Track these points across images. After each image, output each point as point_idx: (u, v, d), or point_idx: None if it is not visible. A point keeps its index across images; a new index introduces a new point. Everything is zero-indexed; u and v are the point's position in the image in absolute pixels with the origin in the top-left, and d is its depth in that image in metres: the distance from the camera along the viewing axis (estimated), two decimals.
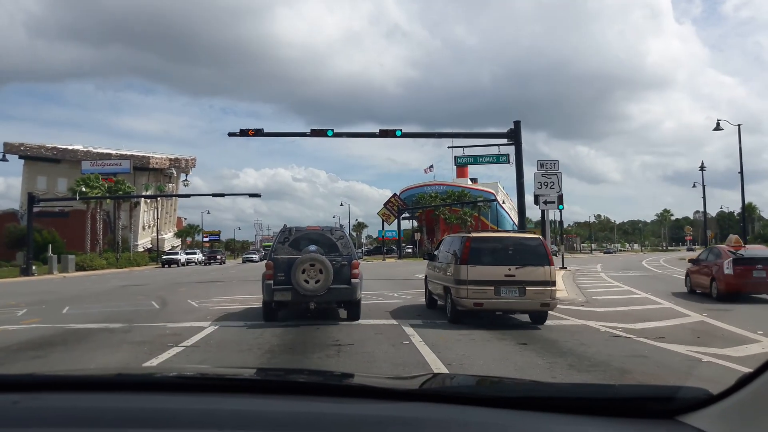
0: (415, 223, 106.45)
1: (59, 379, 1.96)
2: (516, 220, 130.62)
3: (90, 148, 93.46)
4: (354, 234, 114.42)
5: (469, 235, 13.07)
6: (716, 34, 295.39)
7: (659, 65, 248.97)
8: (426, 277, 15.96)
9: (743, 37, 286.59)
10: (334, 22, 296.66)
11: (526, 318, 12.77)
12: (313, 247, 12.71)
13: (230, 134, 26.73)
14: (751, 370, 1.45)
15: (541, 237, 13.84)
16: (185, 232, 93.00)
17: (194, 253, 65.01)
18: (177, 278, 32.54)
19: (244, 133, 26.55)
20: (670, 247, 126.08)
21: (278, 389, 1.84)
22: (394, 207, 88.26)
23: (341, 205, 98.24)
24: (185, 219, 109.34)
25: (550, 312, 12.37)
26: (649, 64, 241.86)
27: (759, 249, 20.42)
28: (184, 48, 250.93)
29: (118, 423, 1.54)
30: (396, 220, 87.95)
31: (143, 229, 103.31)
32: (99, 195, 54.52)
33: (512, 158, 27.95)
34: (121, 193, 59.21)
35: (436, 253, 15.21)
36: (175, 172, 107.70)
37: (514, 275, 12.04)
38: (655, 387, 1.87)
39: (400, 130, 27.86)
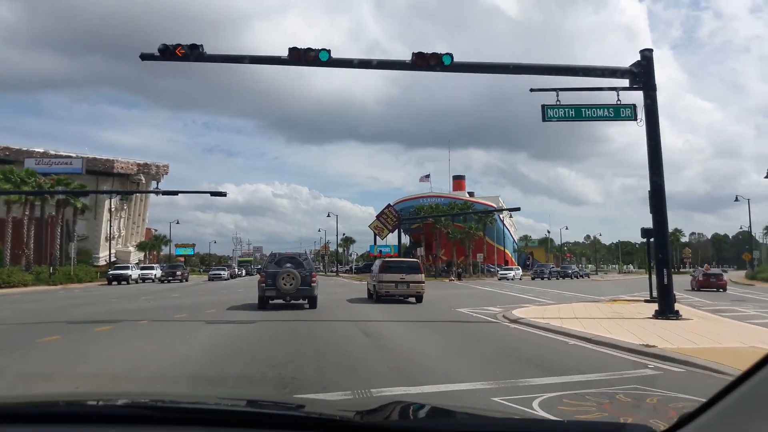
0: (408, 239, 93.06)
1: None
2: (515, 237, 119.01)
3: (50, 150, 79.54)
4: (341, 250, 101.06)
5: (384, 259, 30.87)
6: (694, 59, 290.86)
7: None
8: (367, 282, 30.47)
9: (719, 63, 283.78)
10: (313, 37, 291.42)
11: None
12: (288, 264, 20.90)
13: (143, 56, 14.13)
14: (691, 410, 1.50)
15: (417, 260, 31.94)
16: (149, 244, 79.23)
17: (151, 268, 51.52)
18: (69, 309, 22.08)
19: (168, 54, 13.84)
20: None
21: (216, 420, 1.78)
22: (389, 220, 75.21)
23: (328, 216, 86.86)
24: (155, 230, 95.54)
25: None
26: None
27: (715, 270, 48.90)
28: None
29: None
30: (389, 234, 74.73)
31: (106, 240, 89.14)
32: (13, 190, 41.09)
33: (640, 111, 15.71)
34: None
35: (372, 268, 29.60)
36: (143, 179, 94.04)
37: (404, 278, 24.64)
38: (601, 424, 2.14)
39: (449, 56, 15.25)
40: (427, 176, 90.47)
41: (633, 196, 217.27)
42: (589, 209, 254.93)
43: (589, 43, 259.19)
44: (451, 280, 57.28)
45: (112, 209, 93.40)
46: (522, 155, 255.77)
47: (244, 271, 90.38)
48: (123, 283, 47.43)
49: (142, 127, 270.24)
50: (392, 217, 78.55)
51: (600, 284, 51.00)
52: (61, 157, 78.27)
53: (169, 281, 51.72)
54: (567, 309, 20.45)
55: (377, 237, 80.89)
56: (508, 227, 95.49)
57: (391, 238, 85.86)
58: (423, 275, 25.88)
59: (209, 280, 56.90)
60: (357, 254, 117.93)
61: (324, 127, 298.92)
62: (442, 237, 72.13)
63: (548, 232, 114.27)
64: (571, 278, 64.76)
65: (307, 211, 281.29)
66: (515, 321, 16.43)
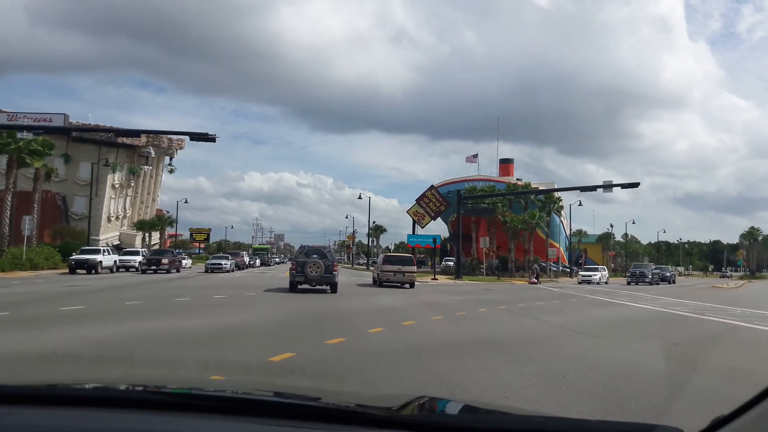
0: (446, 229, 79.21)
1: None
2: (568, 232, 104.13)
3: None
4: (372, 240, 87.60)
5: (385, 254, 41.48)
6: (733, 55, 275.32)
7: (673, 83, 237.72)
8: (372, 271, 40.01)
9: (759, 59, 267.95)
10: (338, 22, 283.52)
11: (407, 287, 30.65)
12: (315, 255, 24.27)
13: None
14: (725, 414, 1.48)
15: (411, 255, 36.50)
16: (148, 224, 66.81)
17: (136, 254, 39.01)
18: None
19: None
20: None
21: (239, 410, 1.74)
22: (431, 204, 61.45)
23: (359, 197, 72.69)
24: (167, 212, 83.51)
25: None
26: (662, 81, 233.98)
27: None
28: (187, 43, 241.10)
29: None
30: (431, 222, 61.48)
31: (108, 221, 76.78)
32: None
33: None
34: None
35: (377, 261, 39.08)
36: (153, 152, 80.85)
37: (401, 269, 30.72)
38: (632, 424, 1.96)
39: None
40: (475, 156, 76.82)
41: (662, 196, 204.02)
42: (616, 207, 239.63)
43: (622, 35, 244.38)
44: (532, 282, 44.62)
45: (116, 185, 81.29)
46: (550, 150, 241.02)
47: (258, 261, 78.49)
48: (92, 272, 35.48)
49: (170, 112, 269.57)
50: (435, 201, 65.08)
51: (736, 292, 37.01)
52: (37, 114, 66.09)
53: (154, 271, 39.02)
54: None
55: (416, 225, 67.19)
56: (562, 220, 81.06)
57: (434, 227, 71.95)
58: (415, 267, 32.97)
59: (206, 271, 44.08)
60: (392, 245, 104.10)
61: (348, 115, 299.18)
62: (498, 227, 57.78)
63: (611, 226, 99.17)
64: (669, 282, 50.58)
65: (331, 202, 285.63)
66: None
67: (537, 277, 45.94)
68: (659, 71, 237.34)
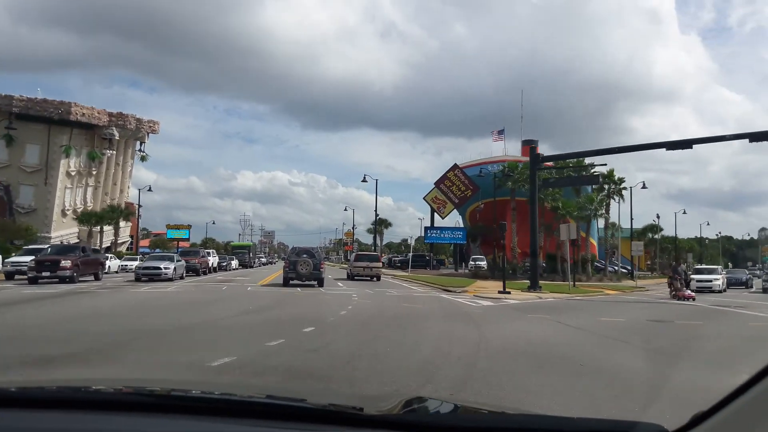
0: (461, 220, 64.89)
1: None
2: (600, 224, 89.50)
3: None
4: (375, 236, 73.87)
5: (355, 252, 51.42)
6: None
7: (665, 77, 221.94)
8: (347, 267, 45.03)
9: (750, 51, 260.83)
10: (327, 16, 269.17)
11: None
12: (305, 255, 28.31)
13: None
14: (705, 409, 1.48)
15: (377, 253, 50.29)
16: (98, 216, 53.06)
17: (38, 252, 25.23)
18: None
19: None
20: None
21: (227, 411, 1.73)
22: (454, 189, 47.37)
23: (363, 180, 56.92)
24: (139, 206, 69.90)
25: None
26: (654, 74, 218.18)
27: None
28: (176, 40, 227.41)
29: None
30: (454, 210, 47.88)
31: (63, 215, 62.79)
32: None
33: None
34: None
35: (350, 258, 47.57)
36: (117, 134, 66.97)
37: (369, 264, 36.40)
38: (613, 422, 1.95)
39: None
40: (501, 132, 62.39)
41: (656, 192, 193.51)
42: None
43: (613, 27, 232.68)
44: (683, 295, 26.04)
45: (73, 173, 67.30)
46: (543, 147, 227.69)
47: (234, 262, 58.83)
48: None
49: (164, 111, 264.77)
50: (460, 183, 51.19)
51: None
52: None
53: (49, 279, 24.80)
54: None
55: (434, 214, 52.98)
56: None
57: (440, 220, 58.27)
58: (380, 264, 40.42)
59: (136, 279, 29.58)
60: (411, 238, 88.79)
61: (340, 112, 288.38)
62: (547, 216, 43.13)
63: (657, 217, 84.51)
64: None
65: (324, 201, 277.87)
66: None
67: (687, 284, 28.18)
68: (651, 65, 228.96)
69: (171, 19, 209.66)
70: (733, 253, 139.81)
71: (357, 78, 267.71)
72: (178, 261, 33.08)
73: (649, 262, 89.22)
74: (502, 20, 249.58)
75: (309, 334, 11.03)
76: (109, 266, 39.06)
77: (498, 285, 34.26)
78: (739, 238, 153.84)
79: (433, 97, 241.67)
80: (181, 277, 32.34)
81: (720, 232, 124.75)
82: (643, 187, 54.47)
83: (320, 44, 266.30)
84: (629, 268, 60.36)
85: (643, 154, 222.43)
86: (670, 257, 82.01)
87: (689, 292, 27.04)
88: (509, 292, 24.22)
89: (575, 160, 40.92)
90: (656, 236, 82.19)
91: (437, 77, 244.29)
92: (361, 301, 19.78)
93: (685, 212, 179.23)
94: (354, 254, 44.46)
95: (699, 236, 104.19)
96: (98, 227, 57.28)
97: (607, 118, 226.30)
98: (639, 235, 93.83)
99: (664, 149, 23.83)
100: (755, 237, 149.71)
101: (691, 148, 23.15)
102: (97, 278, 29.19)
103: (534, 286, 27.00)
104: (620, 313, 19.03)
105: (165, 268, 29.85)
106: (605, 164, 28.79)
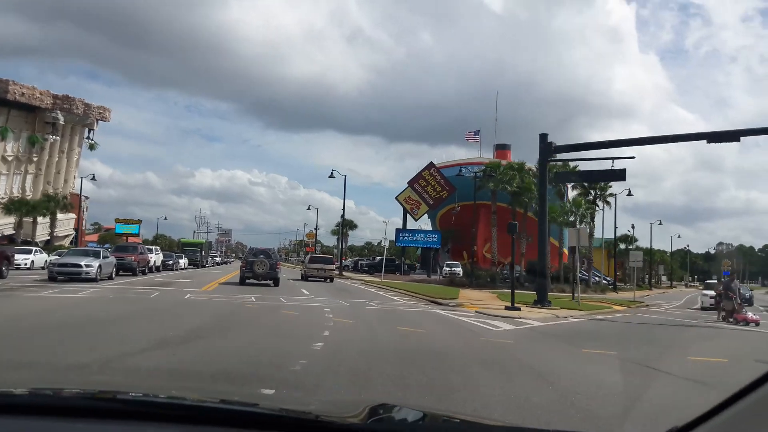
0: (431, 223, 60.92)
1: None
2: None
3: None
4: (339, 237, 69.53)
5: (310, 255, 49.54)
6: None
7: (624, 93, 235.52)
8: (301, 268, 48.59)
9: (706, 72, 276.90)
10: (294, 19, 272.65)
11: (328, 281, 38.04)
12: (261, 255, 29.33)
13: None
14: (679, 425, 1.46)
15: (331, 256, 50.57)
16: (31, 205, 47.38)
17: None
18: None
19: None
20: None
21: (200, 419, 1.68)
22: (429, 189, 43.27)
23: (331, 175, 50.69)
24: (86, 198, 64.27)
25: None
26: (613, 91, 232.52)
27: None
28: (137, 33, 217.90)
29: None
30: (426, 214, 43.62)
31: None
32: None
33: None
34: None
35: (304, 260, 51.02)
36: (62, 118, 60.85)
37: (323, 266, 39.23)
38: None
39: None
40: (477, 132, 58.53)
41: (620, 204, 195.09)
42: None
43: (576, 43, 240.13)
44: (747, 318, 21.49)
45: (9, 158, 61.04)
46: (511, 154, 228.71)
47: (183, 261, 50.73)
48: None
49: (124, 105, 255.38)
50: (435, 184, 46.86)
51: None
52: None
53: None
54: None
55: (407, 216, 48.90)
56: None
57: (412, 223, 54.58)
58: (334, 266, 43.06)
59: (50, 279, 23.86)
60: (385, 239, 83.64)
61: (303, 114, 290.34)
62: (530, 222, 39.09)
63: (632, 227, 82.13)
64: None
65: (285, 201, 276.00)
66: None
67: (740, 302, 22.86)
68: (611, 81, 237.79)
69: (133, 12, 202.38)
70: (694, 266, 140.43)
71: (322, 80, 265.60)
72: (105, 258, 27.01)
73: (619, 273, 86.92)
74: (469, 32, 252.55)
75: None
76: (32, 261, 34.54)
77: (485, 295, 30.17)
78: (695, 252, 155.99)
79: (398, 104, 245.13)
80: (110, 277, 26.55)
81: (685, 246, 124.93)
82: (629, 194, 51.39)
83: (286, 45, 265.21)
84: (609, 279, 57.65)
85: (600, 165, 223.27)
86: (645, 269, 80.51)
87: (752, 315, 22.42)
88: (519, 308, 19.82)
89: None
90: (630, 247, 79.99)
91: (403, 84, 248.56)
92: (339, 321, 14.50)
93: (661, 223, 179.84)
94: (308, 256, 46.33)
95: (670, 249, 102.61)
96: (30, 218, 51.01)
97: (568, 132, 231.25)
98: (610, 245, 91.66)
99: (705, 141, 20.18)
100: (711, 251, 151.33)
101: (739, 140, 19.63)
102: (1, 276, 24.13)
103: (542, 301, 22.66)
104: (695, 344, 14.57)
105: (87, 266, 24.05)
106: (633, 157, 24.28)
